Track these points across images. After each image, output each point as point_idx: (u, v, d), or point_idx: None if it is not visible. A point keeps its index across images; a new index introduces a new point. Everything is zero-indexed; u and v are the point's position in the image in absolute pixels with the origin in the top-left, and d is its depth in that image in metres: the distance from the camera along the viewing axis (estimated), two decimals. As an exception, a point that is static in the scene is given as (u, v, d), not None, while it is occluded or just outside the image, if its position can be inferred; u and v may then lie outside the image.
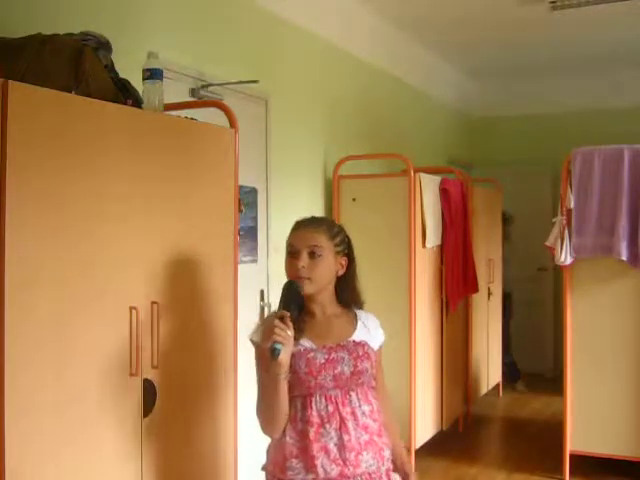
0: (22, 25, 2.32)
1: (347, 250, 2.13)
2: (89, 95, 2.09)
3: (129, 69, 2.42)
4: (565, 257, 4.16)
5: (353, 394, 1.99)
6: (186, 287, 2.38)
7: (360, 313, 2.13)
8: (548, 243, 4.30)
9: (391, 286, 4.49)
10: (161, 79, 2.39)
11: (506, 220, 6.57)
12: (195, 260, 2.41)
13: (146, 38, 3.02)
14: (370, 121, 5.30)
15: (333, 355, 1.99)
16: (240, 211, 2.73)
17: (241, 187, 2.84)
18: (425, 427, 4.64)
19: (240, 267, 2.70)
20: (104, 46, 2.31)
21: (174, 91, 3.07)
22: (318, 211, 4.64)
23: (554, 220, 4.28)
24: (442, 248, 4.84)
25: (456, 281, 4.95)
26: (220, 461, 2.53)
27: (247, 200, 3.62)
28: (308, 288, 1.99)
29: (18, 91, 1.79)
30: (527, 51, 6.05)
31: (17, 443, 1.80)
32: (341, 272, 2.09)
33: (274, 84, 4.03)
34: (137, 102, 2.34)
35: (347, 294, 2.11)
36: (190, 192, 2.41)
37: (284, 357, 1.85)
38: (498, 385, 6.40)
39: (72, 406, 1.96)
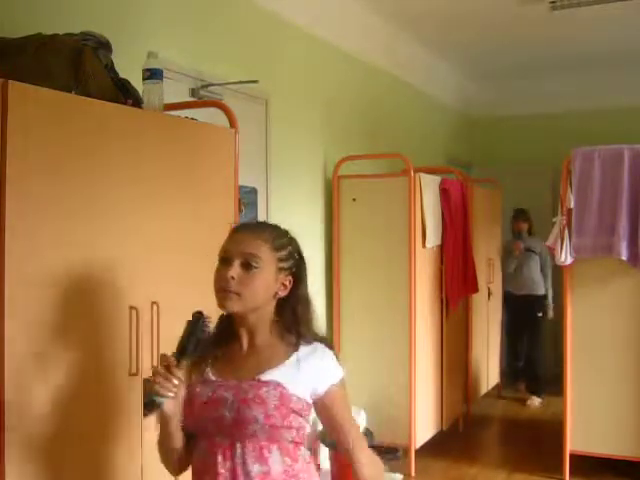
0: (22, 25, 2.32)
1: (295, 269, 1.70)
2: (89, 95, 2.09)
3: (129, 69, 2.42)
4: (565, 257, 4.16)
5: (239, 446, 1.58)
6: (186, 287, 2.37)
7: (305, 348, 1.67)
8: (548, 243, 4.31)
9: (391, 286, 4.49)
10: (161, 79, 2.40)
11: (523, 215, 6.33)
12: (195, 260, 2.41)
13: (146, 38, 3.02)
14: (370, 121, 5.30)
15: (217, 394, 1.61)
16: (240, 211, 2.73)
17: (241, 187, 2.84)
18: (425, 427, 4.64)
19: (240, 267, 2.69)
20: (104, 46, 2.31)
21: (174, 91, 3.07)
22: (318, 211, 4.64)
23: (554, 220, 4.28)
24: (442, 248, 4.84)
25: (456, 281, 4.95)
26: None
27: (247, 200, 3.61)
28: (234, 305, 1.62)
29: (18, 91, 1.80)
30: (527, 50, 6.05)
31: (18, 443, 1.80)
32: (282, 293, 1.68)
33: (274, 84, 4.03)
34: (137, 102, 2.34)
35: (286, 321, 1.69)
36: (190, 192, 2.41)
37: (170, 409, 1.58)
38: (498, 385, 6.40)
39: (72, 406, 1.95)
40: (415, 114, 6.21)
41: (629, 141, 4.23)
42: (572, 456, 4.23)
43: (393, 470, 4.48)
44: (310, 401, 1.64)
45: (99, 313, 2.04)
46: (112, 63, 2.35)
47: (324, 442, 4.22)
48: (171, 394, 1.56)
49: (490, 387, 6.15)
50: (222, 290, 1.62)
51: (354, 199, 4.61)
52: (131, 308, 2.14)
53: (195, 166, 2.44)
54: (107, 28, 2.45)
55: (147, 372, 2.19)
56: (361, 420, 4.19)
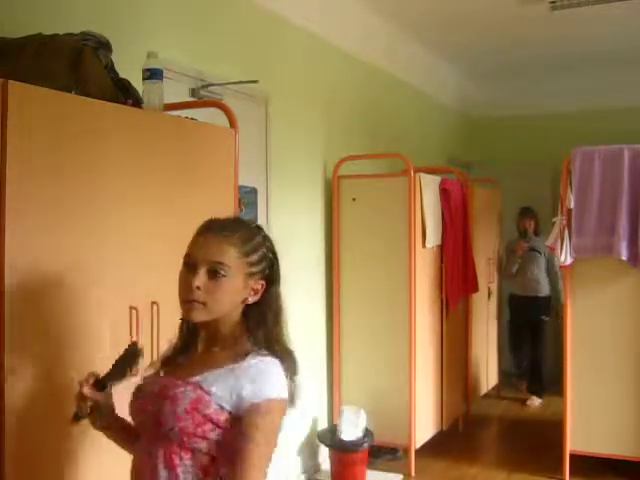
0: (22, 25, 2.31)
1: (268, 271, 1.59)
2: (89, 95, 2.09)
3: (129, 69, 2.42)
4: (565, 257, 4.17)
5: (153, 448, 1.51)
6: (186, 287, 2.37)
7: (253, 359, 1.50)
8: (548, 243, 4.31)
9: (391, 286, 4.49)
10: (161, 79, 2.39)
11: (530, 212, 6.24)
12: (195, 260, 2.41)
13: (146, 38, 3.02)
14: (370, 121, 5.30)
15: (149, 388, 1.59)
16: (240, 211, 2.73)
17: (241, 187, 2.84)
18: (425, 427, 4.64)
19: (240, 267, 2.69)
20: (104, 46, 2.31)
21: (174, 91, 3.07)
22: (318, 211, 4.64)
23: (554, 220, 4.28)
24: (442, 248, 4.84)
25: (456, 281, 4.95)
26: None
27: (247, 200, 3.61)
28: (200, 315, 1.52)
29: (18, 91, 1.79)
30: (527, 50, 6.05)
31: (18, 444, 1.80)
32: (252, 299, 1.57)
33: (274, 84, 4.03)
34: (137, 102, 2.34)
35: (251, 328, 1.57)
36: (190, 192, 2.41)
37: (92, 422, 1.67)
38: (498, 385, 6.40)
39: (73, 406, 1.95)
40: (415, 114, 6.21)
41: (629, 141, 4.23)
42: (572, 456, 4.23)
43: (393, 470, 4.49)
44: (234, 412, 1.47)
45: (99, 313, 2.04)
46: (112, 63, 2.35)
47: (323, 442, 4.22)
48: (85, 413, 1.63)
49: (490, 387, 6.15)
50: (187, 301, 1.53)
51: (354, 199, 4.61)
52: (131, 308, 2.14)
53: (195, 166, 2.44)
54: (107, 28, 2.45)
55: (147, 372, 2.19)
56: (361, 420, 4.19)
